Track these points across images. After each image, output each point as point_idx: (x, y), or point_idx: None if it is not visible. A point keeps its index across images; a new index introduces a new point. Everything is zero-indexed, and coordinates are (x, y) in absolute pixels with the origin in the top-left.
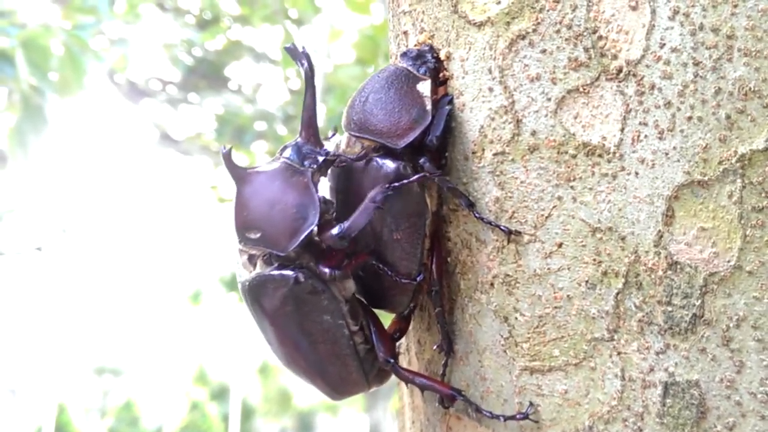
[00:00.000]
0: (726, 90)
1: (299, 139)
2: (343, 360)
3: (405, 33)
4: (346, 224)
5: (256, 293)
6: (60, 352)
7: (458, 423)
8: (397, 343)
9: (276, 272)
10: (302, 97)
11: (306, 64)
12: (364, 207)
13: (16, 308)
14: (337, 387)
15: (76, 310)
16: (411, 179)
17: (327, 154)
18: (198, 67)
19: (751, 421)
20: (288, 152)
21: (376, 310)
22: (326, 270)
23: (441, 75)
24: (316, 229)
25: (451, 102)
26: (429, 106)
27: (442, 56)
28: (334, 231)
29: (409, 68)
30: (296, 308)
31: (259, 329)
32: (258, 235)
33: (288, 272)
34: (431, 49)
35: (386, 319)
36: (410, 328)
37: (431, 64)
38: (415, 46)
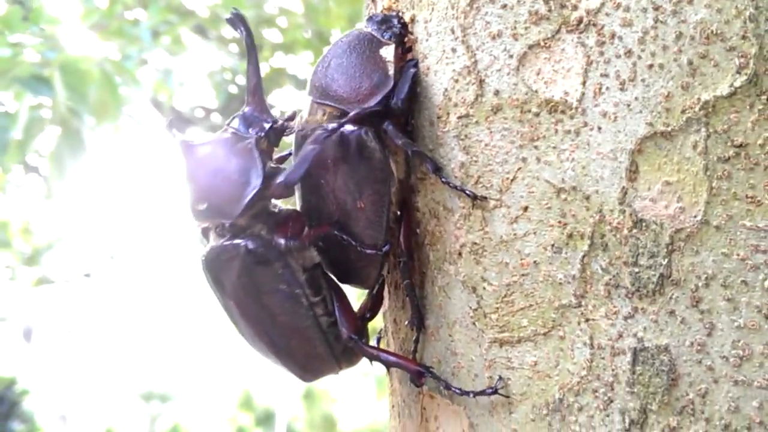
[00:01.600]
0: (687, 34)
1: (246, 109)
2: (305, 333)
3: (373, 0)
4: (288, 171)
5: (211, 267)
6: (109, 378)
7: (431, 402)
8: (378, 327)
9: (228, 242)
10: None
11: (244, 31)
12: (304, 152)
13: (65, 335)
14: (304, 365)
15: (125, 336)
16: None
17: (275, 122)
18: (241, 95)
19: (725, 387)
20: (234, 122)
21: (346, 287)
22: (281, 240)
23: (406, 40)
24: (263, 193)
25: (416, 66)
26: (392, 71)
27: (407, 19)
28: (278, 179)
29: (373, 33)
30: (251, 279)
31: (223, 309)
32: (205, 205)
33: (238, 241)
34: (398, 15)
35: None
36: (386, 308)
37: (396, 29)
38: (382, 11)
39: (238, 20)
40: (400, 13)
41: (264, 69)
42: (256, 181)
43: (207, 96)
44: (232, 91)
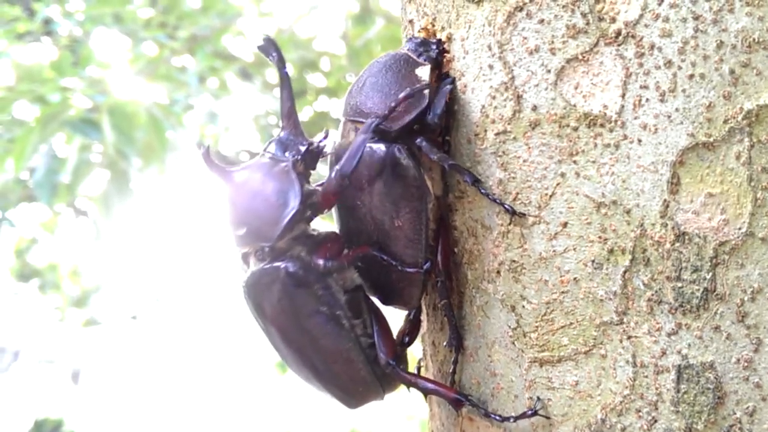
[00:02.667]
0: (728, 43)
1: (282, 133)
2: (347, 356)
3: (410, 22)
4: (341, 163)
5: (252, 292)
6: (155, 418)
7: (471, 425)
8: (418, 352)
9: (268, 266)
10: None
11: (277, 57)
12: (355, 145)
13: (112, 377)
14: (348, 389)
15: (170, 377)
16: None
17: (310, 144)
18: None
19: None
20: (271, 147)
21: (387, 312)
22: (320, 261)
23: (443, 57)
24: (303, 215)
25: (452, 83)
26: (427, 91)
27: (443, 38)
28: (332, 174)
29: (410, 53)
30: (291, 302)
31: (266, 336)
32: (245, 230)
33: (278, 263)
34: (437, 40)
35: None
36: (425, 330)
37: (434, 53)
38: (419, 32)
39: (269, 45)
40: (437, 32)
41: (308, 113)
42: (294, 202)
43: (252, 139)
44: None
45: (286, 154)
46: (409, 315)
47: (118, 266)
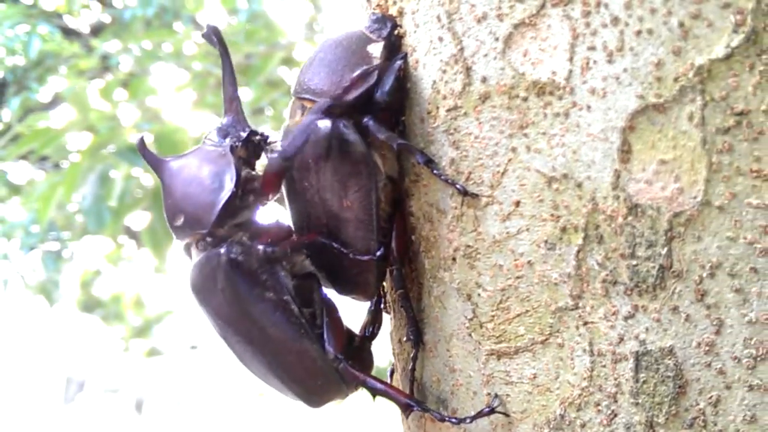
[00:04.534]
0: None
1: (223, 120)
2: (300, 346)
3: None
4: (283, 144)
5: (196, 285)
6: None
7: (433, 426)
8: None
9: (208, 253)
10: None
11: (218, 43)
12: (301, 126)
13: (174, 407)
14: (305, 384)
15: (230, 408)
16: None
17: (252, 132)
18: None
19: (738, 394)
20: (211, 134)
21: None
22: (260, 246)
23: (396, 33)
24: (244, 201)
25: (403, 58)
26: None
27: (394, 12)
28: (275, 153)
29: (364, 30)
30: (235, 290)
31: (217, 333)
32: (182, 218)
33: (218, 249)
34: (391, 16)
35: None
36: (392, 328)
37: (386, 30)
38: (375, 8)
39: (212, 33)
40: (390, 7)
41: None
42: (230, 185)
43: None
44: None
45: (226, 140)
46: (370, 306)
47: (178, 296)
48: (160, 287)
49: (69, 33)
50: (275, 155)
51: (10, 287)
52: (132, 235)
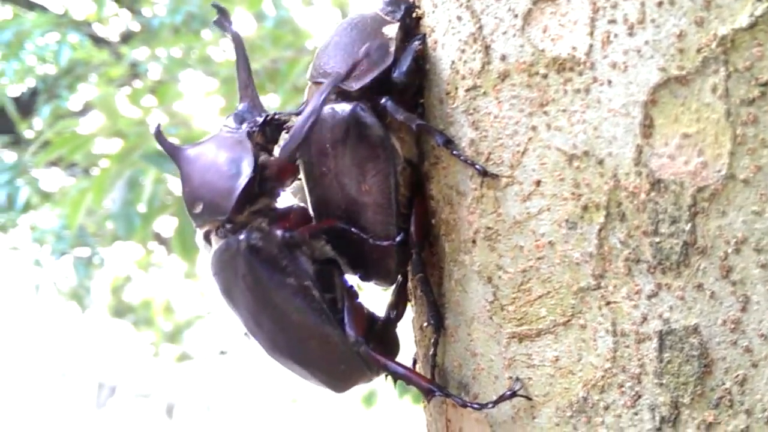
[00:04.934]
0: None
1: (239, 106)
2: (323, 331)
3: None
4: (290, 133)
5: (218, 273)
6: None
7: (456, 412)
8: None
9: (228, 240)
10: None
11: (231, 29)
12: (301, 119)
13: (204, 412)
14: (329, 369)
15: (261, 413)
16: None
17: (269, 115)
18: None
19: (766, 372)
20: (228, 121)
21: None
22: (278, 232)
23: (413, 14)
24: (263, 186)
25: (422, 39)
26: (392, 48)
27: None
28: (282, 144)
29: (379, 12)
30: (256, 277)
31: (240, 320)
32: (201, 206)
33: (237, 236)
34: (408, 0)
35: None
36: (414, 315)
37: (401, 12)
38: None
39: (223, 18)
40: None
41: None
42: (247, 170)
43: None
44: None
45: (243, 126)
46: (394, 289)
47: (208, 301)
48: (189, 292)
49: (99, 41)
50: (283, 146)
51: (42, 293)
52: (162, 241)
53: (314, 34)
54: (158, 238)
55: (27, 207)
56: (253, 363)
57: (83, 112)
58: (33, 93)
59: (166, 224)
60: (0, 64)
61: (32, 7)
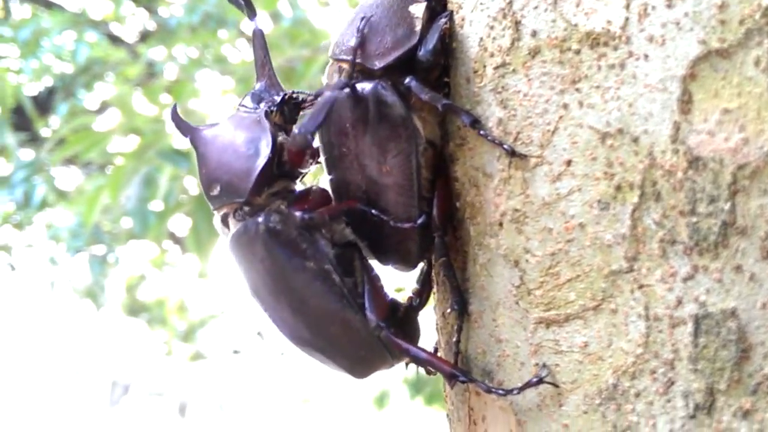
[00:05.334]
0: None
1: (256, 86)
2: (343, 316)
3: None
4: (305, 119)
5: (238, 256)
6: None
7: (479, 400)
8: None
9: (246, 222)
10: None
11: (247, 8)
12: (320, 102)
13: (217, 411)
14: (350, 355)
15: (273, 412)
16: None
17: (287, 94)
18: None
19: None
20: (245, 100)
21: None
22: (297, 213)
23: None
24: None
25: (449, 16)
26: (418, 27)
27: None
28: (295, 129)
29: None
30: (275, 260)
31: (258, 305)
32: (218, 188)
33: (256, 218)
34: None
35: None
36: (436, 302)
37: None
38: None
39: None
40: None
41: None
42: (266, 151)
43: None
44: None
45: (261, 105)
46: (419, 275)
47: (222, 301)
48: (203, 292)
49: (116, 40)
50: (297, 131)
51: (57, 290)
52: (176, 240)
53: (330, 34)
54: (173, 237)
55: (43, 204)
56: (266, 363)
57: (100, 110)
58: (50, 91)
59: (181, 223)
60: (18, 62)
61: (50, 6)
